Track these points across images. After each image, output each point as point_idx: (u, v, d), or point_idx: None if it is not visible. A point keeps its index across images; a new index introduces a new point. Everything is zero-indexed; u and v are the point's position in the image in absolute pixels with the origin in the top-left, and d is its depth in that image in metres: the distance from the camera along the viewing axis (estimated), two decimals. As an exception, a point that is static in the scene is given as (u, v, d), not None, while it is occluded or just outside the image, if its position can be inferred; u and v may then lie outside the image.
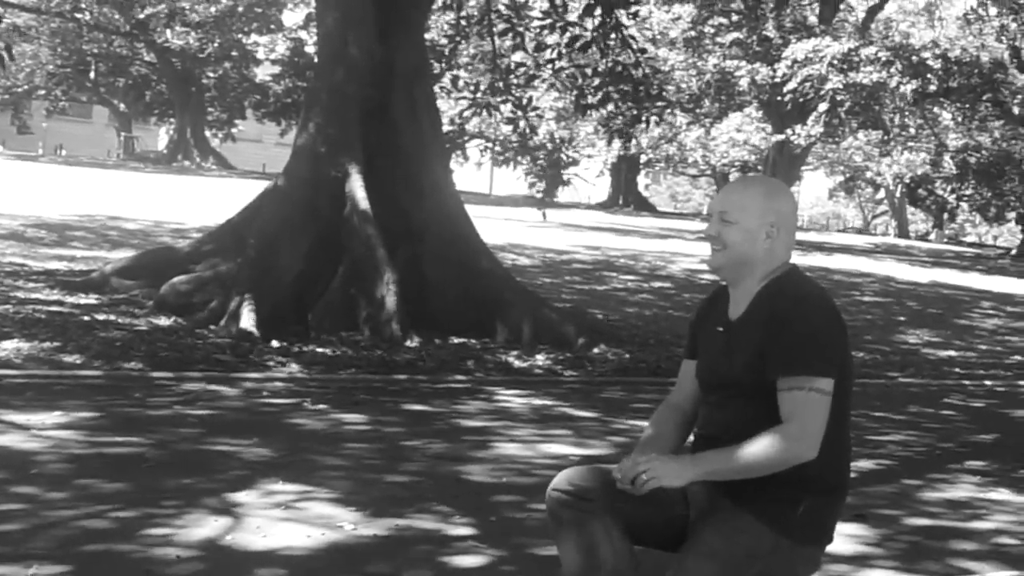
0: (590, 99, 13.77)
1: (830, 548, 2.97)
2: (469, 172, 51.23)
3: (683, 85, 32.90)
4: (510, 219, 28.60)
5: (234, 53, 45.26)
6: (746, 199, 2.88)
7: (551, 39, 13.54)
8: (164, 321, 9.70)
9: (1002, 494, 6.25)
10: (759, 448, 2.68)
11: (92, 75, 48.73)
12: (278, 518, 4.69)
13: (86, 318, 9.44)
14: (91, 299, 10.46)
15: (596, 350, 10.39)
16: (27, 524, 4.37)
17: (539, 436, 6.92)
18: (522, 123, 14.40)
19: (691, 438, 3.08)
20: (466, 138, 42.80)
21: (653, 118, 14.66)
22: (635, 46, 13.88)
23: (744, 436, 2.74)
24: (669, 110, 26.27)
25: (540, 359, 9.89)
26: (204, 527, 4.49)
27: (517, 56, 14.60)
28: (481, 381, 8.88)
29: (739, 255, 2.87)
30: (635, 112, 13.99)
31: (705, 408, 2.97)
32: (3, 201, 19.95)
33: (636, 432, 3.03)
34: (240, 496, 4.96)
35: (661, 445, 2.94)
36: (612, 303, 14.64)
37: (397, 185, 11.14)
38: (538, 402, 8.15)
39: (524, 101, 14.55)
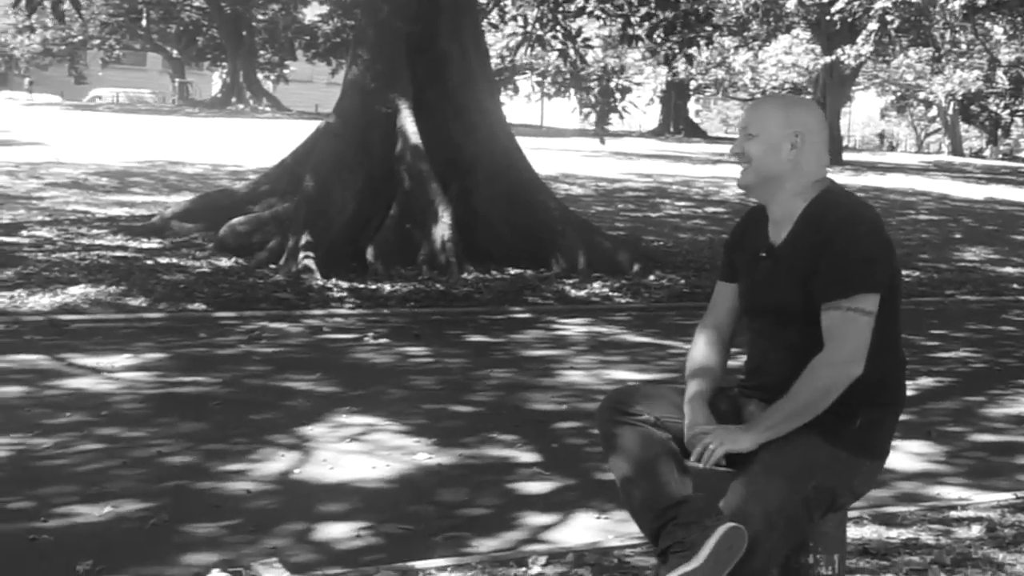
0: (636, 30, 13.60)
1: (897, 465, 2.97)
2: (520, 105, 50.95)
3: (730, 8, 32.20)
4: (564, 149, 28.45)
5: (283, -6, 45.18)
6: (766, 112, 2.88)
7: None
8: (225, 262, 9.84)
9: (1067, 408, 6.21)
10: (807, 386, 2.68)
11: (144, 23, 48.87)
12: (347, 451, 4.80)
13: (149, 262, 9.60)
14: (153, 243, 10.62)
15: (651, 277, 10.42)
16: (105, 463, 4.52)
17: (599, 363, 6.98)
18: (572, 53, 14.26)
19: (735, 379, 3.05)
20: (514, 72, 42.39)
21: (702, 41, 14.46)
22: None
23: (786, 362, 2.75)
24: (716, 33, 25.81)
25: (596, 287, 9.92)
26: (275, 462, 4.60)
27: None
28: (540, 311, 8.94)
29: (764, 169, 2.85)
30: (687, 36, 13.80)
31: (749, 335, 2.97)
32: (64, 150, 20.21)
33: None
34: (308, 430, 5.07)
35: (708, 388, 2.92)
36: (666, 230, 14.58)
37: (447, 119, 11.13)
38: (597, 329, 8.20)
39: (573, 31, 14.39)
